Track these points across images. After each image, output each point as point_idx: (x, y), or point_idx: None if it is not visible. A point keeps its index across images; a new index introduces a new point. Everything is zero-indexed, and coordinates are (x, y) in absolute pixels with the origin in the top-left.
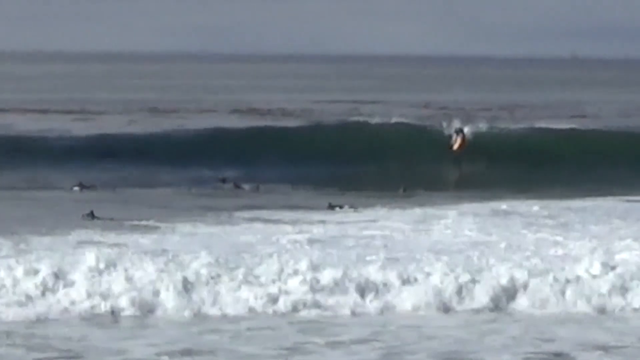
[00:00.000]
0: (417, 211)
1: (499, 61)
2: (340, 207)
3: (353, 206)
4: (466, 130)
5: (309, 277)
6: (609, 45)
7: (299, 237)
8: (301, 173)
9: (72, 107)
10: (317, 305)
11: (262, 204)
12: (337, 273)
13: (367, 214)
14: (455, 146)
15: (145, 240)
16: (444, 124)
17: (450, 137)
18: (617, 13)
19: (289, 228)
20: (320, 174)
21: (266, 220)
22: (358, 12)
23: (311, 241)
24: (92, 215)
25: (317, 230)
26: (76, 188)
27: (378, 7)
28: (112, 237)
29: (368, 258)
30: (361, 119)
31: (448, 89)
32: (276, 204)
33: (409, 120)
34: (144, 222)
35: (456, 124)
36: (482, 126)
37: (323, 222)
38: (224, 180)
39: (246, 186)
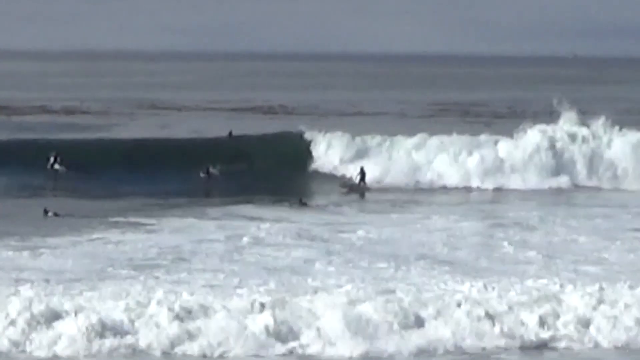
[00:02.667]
0: None
1: (500, 60)
2: (307, 203)
3: (319, 204)
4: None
5: None
6: (610, 44)
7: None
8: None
9: (68, 105)
10: None
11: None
12: None
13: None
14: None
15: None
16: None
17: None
18: (618, 12)
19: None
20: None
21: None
22: (357, 11)
23: None
24: (46, 212)
25: None
26: (57, 166)
27: (378, 6)
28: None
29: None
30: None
31: (448, 88)
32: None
33: None
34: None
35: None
36: None
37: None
38: (207, 172)
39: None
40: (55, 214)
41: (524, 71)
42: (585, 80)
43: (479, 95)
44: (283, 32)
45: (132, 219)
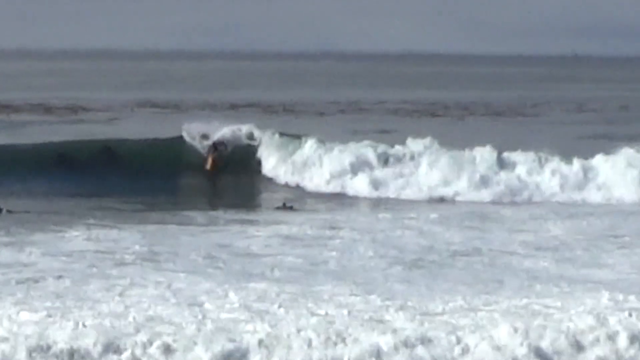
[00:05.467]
0: None
1: (499, 59)
2: (292, 207)
3: (301, 207)
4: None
5: None
6: (610, 43)
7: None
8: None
9: (67, 105)
10: None
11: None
12: None
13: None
14: (207, 166)
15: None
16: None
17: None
18: (618, 11)
19: None
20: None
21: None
22: (357, 11)
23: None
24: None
25: None
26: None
27: (377, 5)
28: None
29: None
30: None
31: (447, 87)
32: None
33: None
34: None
35: (209, 141)
36: None
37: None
38: None
39: None
40: (9, 211)
41: (524, 70)
42: (586, 79)
43: (478, 93)
44: (283, 31)
45: (97, 221)
